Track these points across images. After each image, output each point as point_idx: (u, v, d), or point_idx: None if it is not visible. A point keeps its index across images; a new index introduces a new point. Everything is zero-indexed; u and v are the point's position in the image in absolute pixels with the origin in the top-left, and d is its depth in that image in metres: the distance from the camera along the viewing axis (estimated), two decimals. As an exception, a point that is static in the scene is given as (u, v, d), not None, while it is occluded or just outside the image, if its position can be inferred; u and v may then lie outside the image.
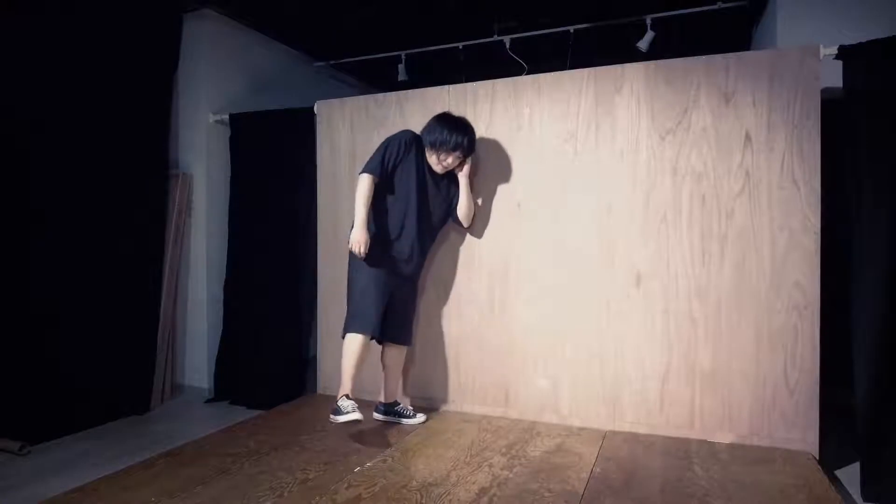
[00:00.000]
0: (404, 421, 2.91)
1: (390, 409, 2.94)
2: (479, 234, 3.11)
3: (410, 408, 2.98)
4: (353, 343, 2.64)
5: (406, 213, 2.75)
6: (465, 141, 2.74)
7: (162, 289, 3.67)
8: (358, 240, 2.58)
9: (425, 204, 2.81)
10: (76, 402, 3.11)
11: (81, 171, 3.15)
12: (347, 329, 2.67)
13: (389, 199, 2.75)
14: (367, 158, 2.74)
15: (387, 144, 2.72)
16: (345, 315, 2.75)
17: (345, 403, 2.54)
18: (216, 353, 3.84)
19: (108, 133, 3.28)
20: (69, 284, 3.11)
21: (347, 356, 2.64)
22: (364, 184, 2.62)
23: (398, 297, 2.80)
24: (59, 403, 3.03)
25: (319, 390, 3.50)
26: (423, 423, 2.91)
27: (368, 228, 2.62)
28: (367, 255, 2.62)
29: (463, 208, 2.93)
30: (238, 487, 2.14)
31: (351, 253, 2.67)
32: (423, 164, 2.79)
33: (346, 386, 2.63)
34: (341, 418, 2.50)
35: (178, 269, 3.85)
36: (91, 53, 3.19)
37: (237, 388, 3.67)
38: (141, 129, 3.48)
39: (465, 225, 3.00)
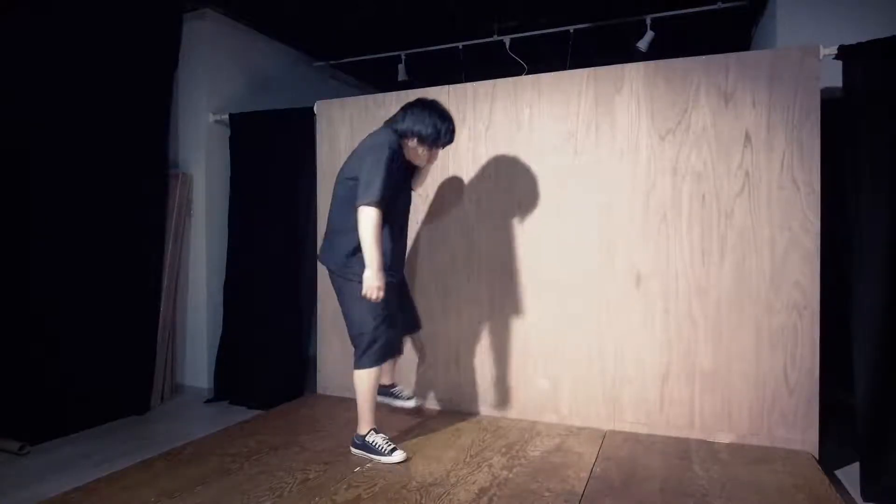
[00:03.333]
0: (400, 403, 2.81)
1: (389, 390, 2.82)
2: (479, 234, 3.12)
3: (405, 391, 2.89)
4: (372, 377, 2.45)
5: (396, 220, 2.52)
6: (454, 128, 2.52)
7: (162, 289, 3.67)
8: (378, 286, 2.29)
9: (405, 203, 2.62)
10: (76, 401, 3.11)
11: (81, 171, 3.15)
12: (370, 363, 2.43)
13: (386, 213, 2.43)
14: (365, 179, 2.32)
15: (382, 164, 2.32)
16: (356, 341, 2.48)
17: (379, 441, 2.43)
18: (216, 353, 3.84)
19: (108, 133, 3.28)
20: (69, 284, 3.11)
21: (368, 390, 2.45)
22: (374, 219, 2.27)
23: (400, 295, 2.68)
24: (59, 403, 3.03)
25: (319, 390, 3.50)
26: (416, 407, 2.92)
27: (348, 246, 2.39)
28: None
29: (421, 178, 2.73)
30: (238, 487, 2.14)
31: (350, 279, 2.42)
32: (403, 162, 2.50)
33: (370, 420, 2.48)
34: (387, 460, 2.39)
35: (178, 269, 3.85)
36: (91, 53, 3.19)
37: (237, 388, 3.67)
38: (141, 129, 3.48)
39: (417, 189, 2.79)
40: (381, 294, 2.32)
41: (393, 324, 2.50)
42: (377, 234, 2.29)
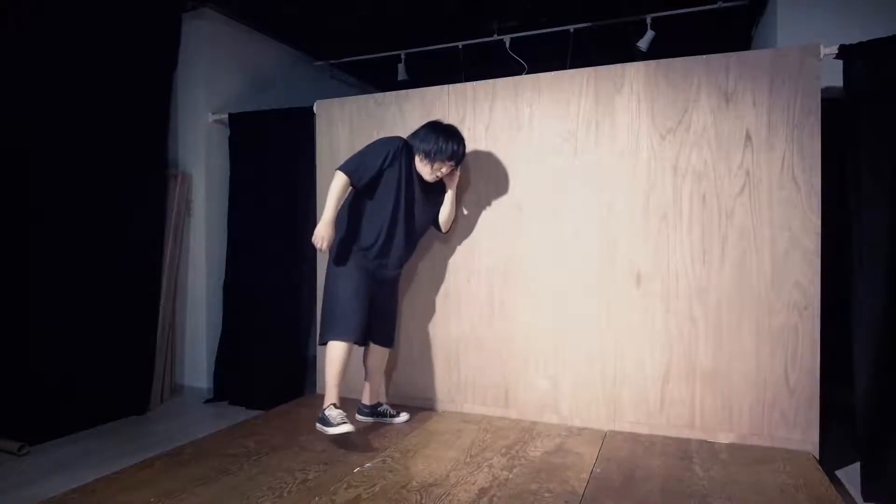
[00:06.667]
0: (388, 421, 2.91)
1: (374, 410, 2.93)
2: (479, 234, 3.11)
3: (392, 409, 2.97)
4: (337, 350, 2.56)
5: (390, 220, 2.67)
6: (460, 150, 2.69)
7: (161, 289, 3.67)
8: (322, 235, 2.50)
9: (411, 211, 2.75)
10: (76, 402, 3.11)
11: (81, 171, 3.15)
12: (328, 336, 2.60)
13: (372, 204, 2.67)
14: (353, 155, 2.67)
15: (374, 150, 2.65)
16: (324, 315, 2.69)
17: (333, 414, 2.49)
18: (216, 353, 3.83)
19: (108, 132, 3.28)
20: (69, 284, 3.11)
21: (332, 364, 2.57)
22: (339, 183, 2.55)
23: (380, 300, 2.78)
24: (59, 403, 3.03)
25: (319, 390, 3.49)
26: (407, 420, 2.94)
27: (337, 228, 2.57)
28: (344, 258, 2.63)
29: (445, 215, 2.90)
30: (238, 487, 2.14)
31: (330, 258, 2.65)
32: (411, 172, 2.71)
33: (332, 395, 2.57)
34: (331, 430, 2.46)
35: (177, 269, 3.85)
36: (90, 53, 3.19)
37: (236, 388, 3.66)
38: (140, 129, 3.48)
39: (444, 231, 2.96)
40: (325, 245, 2.52)
41: (362, 309, 2.63)
42: (336, 193, 2.55)
